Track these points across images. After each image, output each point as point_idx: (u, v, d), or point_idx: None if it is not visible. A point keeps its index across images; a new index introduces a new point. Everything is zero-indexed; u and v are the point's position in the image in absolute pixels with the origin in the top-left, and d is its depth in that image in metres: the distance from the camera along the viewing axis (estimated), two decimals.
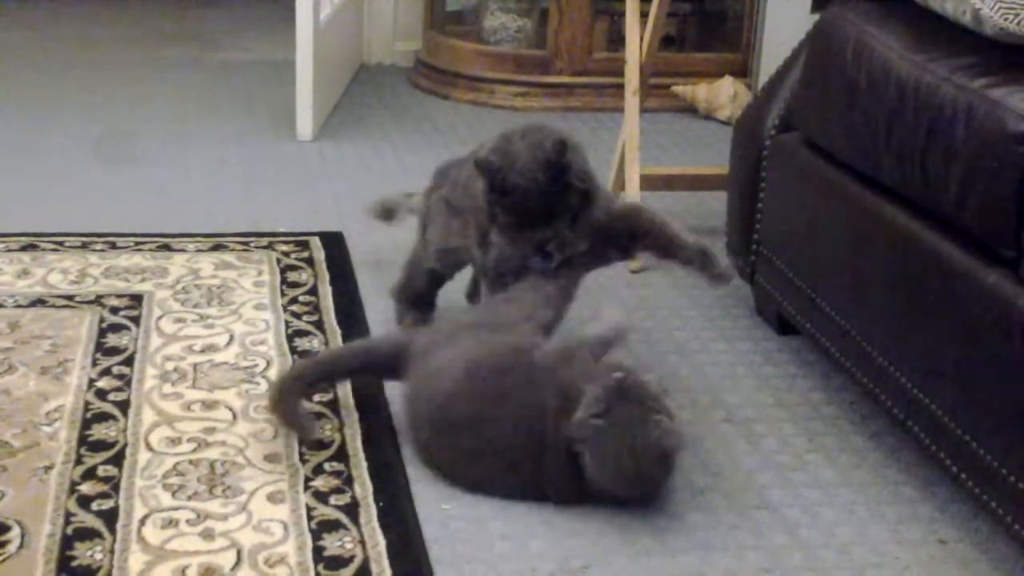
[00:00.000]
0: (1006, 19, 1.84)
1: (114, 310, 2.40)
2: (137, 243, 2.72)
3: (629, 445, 1.78)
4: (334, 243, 2.78)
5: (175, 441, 1.97)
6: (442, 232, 2.29)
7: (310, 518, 1.79)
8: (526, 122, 2.18)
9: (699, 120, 3.93)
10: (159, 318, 2.38)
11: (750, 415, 2.16)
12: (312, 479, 1.88)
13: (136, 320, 2.37)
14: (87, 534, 1.73)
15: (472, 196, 2.18)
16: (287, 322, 2.39)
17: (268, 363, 2.23)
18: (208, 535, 1.74)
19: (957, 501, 1.92)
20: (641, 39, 2.91)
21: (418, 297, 2.39)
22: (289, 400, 2.00)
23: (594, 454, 1.80)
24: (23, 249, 2.66)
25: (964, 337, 1.79)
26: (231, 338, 2.31)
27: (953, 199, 1.83)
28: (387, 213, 2.63)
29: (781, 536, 1.83)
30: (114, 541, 1.72)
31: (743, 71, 4.05)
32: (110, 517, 1.77)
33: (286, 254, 2.70)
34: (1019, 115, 1.71)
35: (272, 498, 1.83)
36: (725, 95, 3.90)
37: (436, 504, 1.86)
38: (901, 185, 1.97)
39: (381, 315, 2.45)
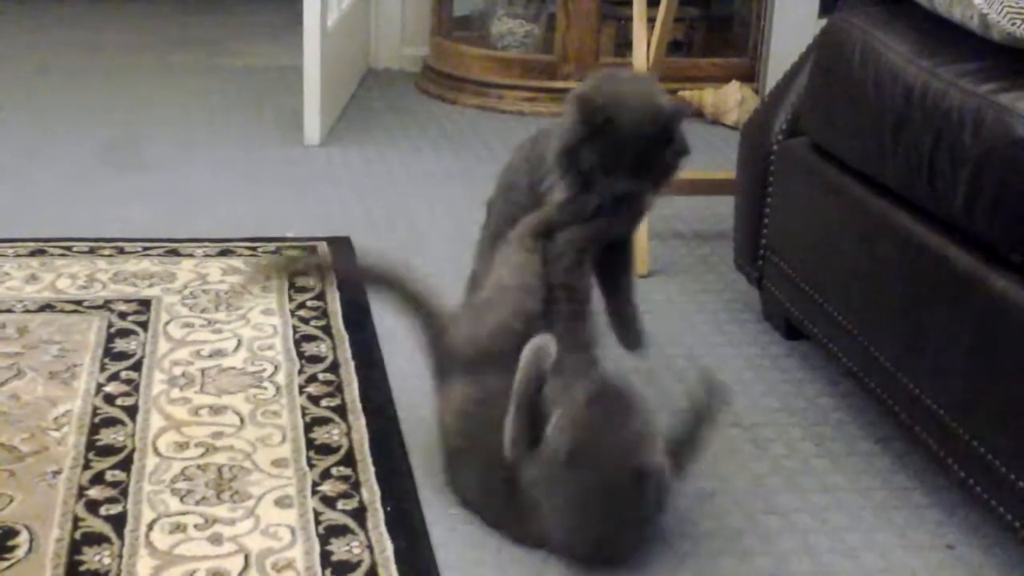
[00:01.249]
0: (1014, 24, 1.83)
1: (122, 315, 2.41)
2: (145, 248, 2.73)
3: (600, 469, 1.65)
4: (342, 248, 2.78)
5: (183, 446, 1.97)
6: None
7: (318, 523, 1.79)
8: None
9: (706, 125, 3.94)
10: (167, 323, 2.38)
11: (757, 420, 2.16)
12: (320, 484, 1.89)
13: (144, 325, 2.37)
14: (95, 539, 1.74)
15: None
16: (295, 327, 2.39)
17: (276, 368, 2.23)
18: (216, 540, 1.74)
19: (965, 506, 1.92)
20: (648, 44, 2.91)
21: None
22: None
23: (555, 498, 1.69)
24: (31, 254, 2.67)
25: (972, 341, 1.79)
26: (239, 343, 2.32)
27: (961, 204, 1.83)
28: None
29: (789, 541, 1.83)
30: (122, 546, 1.72)
31: (750, 76, 4.05)
32: (118, 522, 1.78)
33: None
34: None
35: (280, 503, 1.84)
36: (732, 100, 3.90)
37: (444, 508, 1.86)
38: (908, 190, 1.97)
39: (389, 319, 2.45)
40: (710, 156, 3.62)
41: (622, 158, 1.87)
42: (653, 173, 1.92)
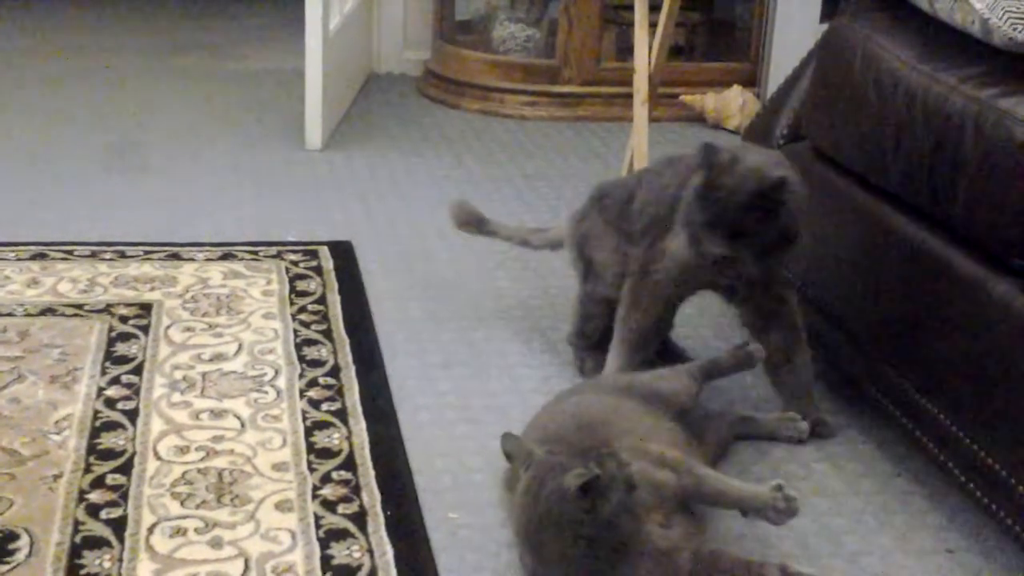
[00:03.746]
0: (1015, 29, 1.83)
1: (123, 319, 2.41)
2: (146, 252, 2.73)
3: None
4: (343, 252, 2.78)
5: (183, 450, 1.98)
6: (614, 255, 2.22)
7: (318, 527, 1.79)
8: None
9: (708, 129, 3.93)
10: (168, 327, 2.38)
11: None
12: (320, 488, 1.89)
13: (145, 329, 2.37)
14: (96, 542, 1.74)
15: (652, 204, 2.15)
16: (296, 331, 2.39)
17: (277, 372, 2.23)
18: (216, 544, 1.75)
19: (965, 510, 1.92)
20: (650, 49, 2.91)
21: (596, 334, 2.27)
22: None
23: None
24: (33, 258, 2.67)
25: (972, 346, 1.79)
26: (240, 347, 2.32)
27: (961, 208, 1.83)
28: (476, 223, 2.47)
29: (789, 545, 1.83)
30: (122, 550, 1.72)
31: (752, 80, 4.05)
32: (119, 526, 1.78)
33: (295, 263, 2.70)
34: None
35: (280, 507, 1.84)
36: (734, 104, 3.90)
37: (444, 513, 1.86)
38: (909, 194, 1.97)
39: (389, 324, 2.46)
40: None
41: (719, 220, 1.93)
42: (751, 243, 1.93)
